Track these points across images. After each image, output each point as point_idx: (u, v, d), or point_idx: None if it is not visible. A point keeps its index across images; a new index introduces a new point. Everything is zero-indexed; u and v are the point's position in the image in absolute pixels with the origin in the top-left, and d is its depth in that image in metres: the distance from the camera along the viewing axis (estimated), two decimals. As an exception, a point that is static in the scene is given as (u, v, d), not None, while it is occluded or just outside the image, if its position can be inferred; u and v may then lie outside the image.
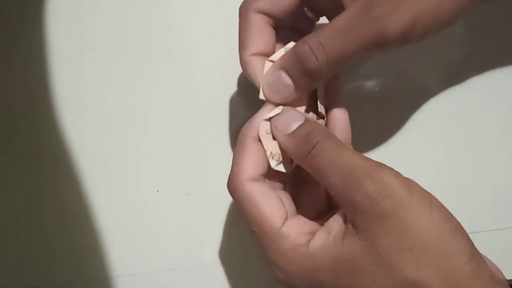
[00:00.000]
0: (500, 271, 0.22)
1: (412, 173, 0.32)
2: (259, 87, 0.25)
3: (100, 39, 0.34)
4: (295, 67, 0.24)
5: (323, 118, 0.26)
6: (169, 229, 0.32)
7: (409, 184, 0.21)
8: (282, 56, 0.25)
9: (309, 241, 0.22)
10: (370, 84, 0.33)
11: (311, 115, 0.26)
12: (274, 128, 0.24)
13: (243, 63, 0.26)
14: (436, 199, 0.21)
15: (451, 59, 0.33)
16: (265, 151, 0.24)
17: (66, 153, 0.32)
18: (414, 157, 0.32)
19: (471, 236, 0.21)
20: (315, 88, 0.26)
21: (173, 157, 0.33)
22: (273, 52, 0.26)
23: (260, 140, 0.24)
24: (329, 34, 0.23)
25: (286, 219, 0.23)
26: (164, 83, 0.33)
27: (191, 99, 0.33)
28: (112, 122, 0.33)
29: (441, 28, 0.24)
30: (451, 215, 0.21)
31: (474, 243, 0.21)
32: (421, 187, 0.21)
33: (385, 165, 0.22)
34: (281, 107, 0.25)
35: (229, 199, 0.26)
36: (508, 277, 0.23)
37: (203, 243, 0.32)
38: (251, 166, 0.24)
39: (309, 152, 0.22)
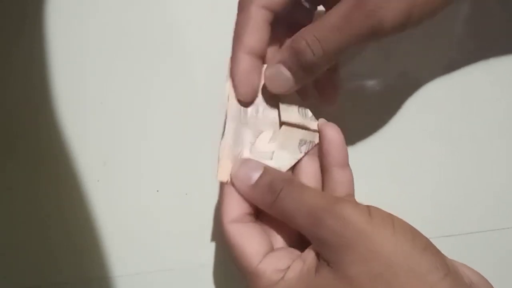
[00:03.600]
0: (483, 277, 0.22)
1: (413, 173, 0.32)
2: (226, 88, 0.26)
3: (100, 39, 0.34)
4: (293, 60, 0.24)
5: (315, 131, 0.26)
6: (169, 229, 0.32)
7: (368, 211, 0.21)
8: (280, 50, 0.25)
9: (284, 276, 0.23)
10: (370, 84, 0.33)
11: (305, 132, 0.26)
12: (236, 180, 0.25)
13: (235, 60, 0.25)
14: (400, 220, 0.22)
15: (451, 58, 0.33)
16: None
17: (66, 153, 0.32)
18: (414, 157, 0.32)
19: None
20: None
21: (173, 157, 0.33)
22: (265, 52, 0.26)
23: None
24: (325, 28, 0.23)
25: (266, 255, 0.24)
26: (164, 83, 0.33)
27: (191, 99, 0.33)
28: (112, 122, 0.33)
29: (437, 13, 0.24)
30: (419, 234, 0.21)
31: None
32: (381, 211, 0.22)
33: (343, 199, 0.22)
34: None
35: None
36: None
37: (203, 243, 0.32)
38: (231, 209, 0.25)
39: (275, 200, 0.23)
